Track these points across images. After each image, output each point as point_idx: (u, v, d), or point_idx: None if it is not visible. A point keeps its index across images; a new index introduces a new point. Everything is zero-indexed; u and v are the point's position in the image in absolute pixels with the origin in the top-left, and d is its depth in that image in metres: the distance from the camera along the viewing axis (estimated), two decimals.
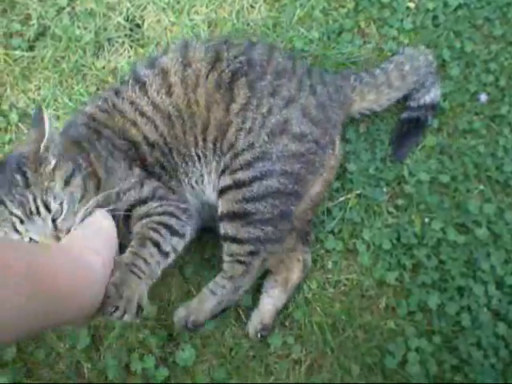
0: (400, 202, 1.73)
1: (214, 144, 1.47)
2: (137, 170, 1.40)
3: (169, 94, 1.47)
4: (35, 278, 0.88)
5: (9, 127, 1.75)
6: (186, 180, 1.52)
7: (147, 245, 1.23)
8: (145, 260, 1.20)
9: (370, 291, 1.66)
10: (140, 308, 1.12)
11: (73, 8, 1.90)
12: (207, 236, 1.65)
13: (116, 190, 1.31)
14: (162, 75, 1.48)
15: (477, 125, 1.84)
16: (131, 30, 1.87)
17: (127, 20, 1.88)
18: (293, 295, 1.62)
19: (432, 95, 1.76)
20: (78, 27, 1.86)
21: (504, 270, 1.68)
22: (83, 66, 1.82)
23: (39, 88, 1.81)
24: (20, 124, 1.75)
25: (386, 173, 1.75)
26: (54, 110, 1.76)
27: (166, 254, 1.27)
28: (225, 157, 1.46)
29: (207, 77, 1.48)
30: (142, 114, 1.46)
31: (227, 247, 1.45)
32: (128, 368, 1.52)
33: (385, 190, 1.75)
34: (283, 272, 1.59)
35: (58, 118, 1.75)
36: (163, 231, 1.29)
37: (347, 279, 1.66)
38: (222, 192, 1.45)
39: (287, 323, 1.62)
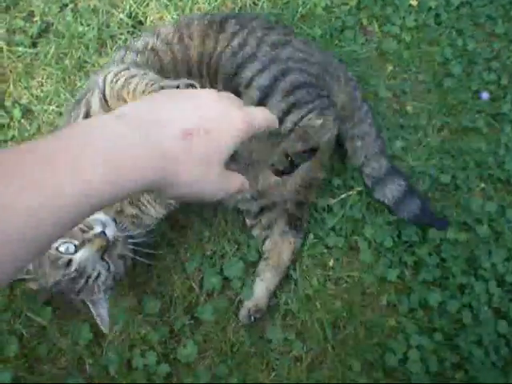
0: None
1: (208, 72, 1.50)
2: None
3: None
4: None
5: (12, 123, 1.75)
6: None
7: None
8: None
9: (371, 288, 1.66)
10: None
11: (75, 5, 1.90)
12: (208, 233, 1.66)
13: None
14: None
15: (478, 123, 1.85)
16: (134, 26, 1.87)
17: (130, 17, 1.88)
18: (284, 277, 1.63)
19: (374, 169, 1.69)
20: (81, 24, 1.86)
21: (505, 267, 1.68)
22: (86, 62, 1.82)
23: (42, 84, 1.81)
24: (23, 120, 1.75)
25: None
26: (56, 106, 1.77)
27: None
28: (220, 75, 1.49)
29: (200, 19, 1.55)
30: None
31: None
32: (129, 364, 1.53)
33: None
34: (275, 255, 1.62)
35: (60, 114, 1.76)
36: None
37: (348, 276, 1.67)
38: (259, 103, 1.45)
39: (288, 320, 1.62)
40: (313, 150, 1.42)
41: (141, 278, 1.61)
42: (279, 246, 1.62)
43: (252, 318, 1.57)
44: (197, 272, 1.63)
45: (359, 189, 1.71)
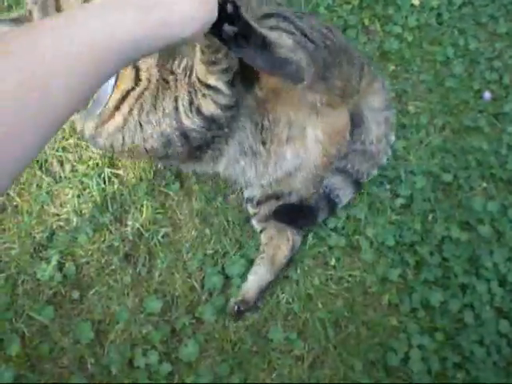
0: (403, 199, 1.73)
1: None
2: None
3: None
4: None
5: None
6: None
7: None
8: None
9: (373, 288, 1.66)
10: None
11: None
12: (210, 232, 1.66)
13: None
14: None
15: (480, 122, 1.85)
16: None
17: None
18: (279, 275, 1.63)
19: None
20: None
21: (507, 267, 1.68)
22: None
23: None
24: None
25: (390, 170, 1.75)
26: None
27: None
28: None
29: None
30: None
31: None
32: (131, 363, 1.53)
33: (388, 187, 1.75)
34: (271, 249, 1.61)
35: None
36: None
37: (350, 276, 1.67)
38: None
39: (290, 319, 1.62)
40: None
41: (142, 278, 1.61)
42: (275, 241, 1.61)
43: (236, 307, 1.57)
44: (198, 271, 1.63)
45: (361, 190, 1.71)
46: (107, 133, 1.32)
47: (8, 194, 1.65)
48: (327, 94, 1.44)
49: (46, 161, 1.68)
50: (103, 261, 1.60)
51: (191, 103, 1.28)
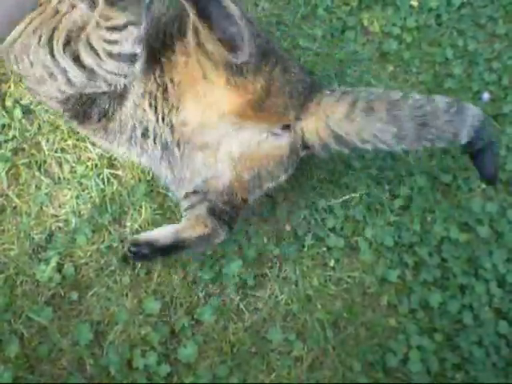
0: (402, 200, 1.73)
1: None
2: None
3: None
4: None
5: (13, 124, 1.75)
6: None
7: None
8: None
9: (372, 289, 1.66)
10: None
11: None
12: None
13: None
14: None
15: None
16: None
17: None
18: (178, 247, 1.55)
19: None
20: None
21: (506, 268, 1.69)
22: None
23: None
24: (24, 120, 1.75)
25: (389, 171, 1.75)
26: None
27: None
28: None
29: None
30: None
31: None
32: (130, 364, 1.53)
33: (387, 187, 1.75)
34: (183, 225, 1.57)
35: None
36: None
37: (349, 277, 1.67)
38: None
39: (289, 320, 1.62)
40: None
41: (141, 279, 1.61)
42: (191, 222, 1.56)
43: (127, 244, 1.56)
44: (197, 272, 1.63)
45: (362, 192, 1.71)
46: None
47: (7, 195, 1.65)
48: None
49: (45, 162, 1.68)
50: (102, 262, 1.60)
51: (66, 44, 1.31)
